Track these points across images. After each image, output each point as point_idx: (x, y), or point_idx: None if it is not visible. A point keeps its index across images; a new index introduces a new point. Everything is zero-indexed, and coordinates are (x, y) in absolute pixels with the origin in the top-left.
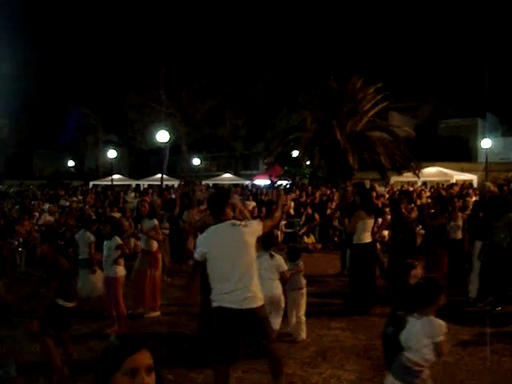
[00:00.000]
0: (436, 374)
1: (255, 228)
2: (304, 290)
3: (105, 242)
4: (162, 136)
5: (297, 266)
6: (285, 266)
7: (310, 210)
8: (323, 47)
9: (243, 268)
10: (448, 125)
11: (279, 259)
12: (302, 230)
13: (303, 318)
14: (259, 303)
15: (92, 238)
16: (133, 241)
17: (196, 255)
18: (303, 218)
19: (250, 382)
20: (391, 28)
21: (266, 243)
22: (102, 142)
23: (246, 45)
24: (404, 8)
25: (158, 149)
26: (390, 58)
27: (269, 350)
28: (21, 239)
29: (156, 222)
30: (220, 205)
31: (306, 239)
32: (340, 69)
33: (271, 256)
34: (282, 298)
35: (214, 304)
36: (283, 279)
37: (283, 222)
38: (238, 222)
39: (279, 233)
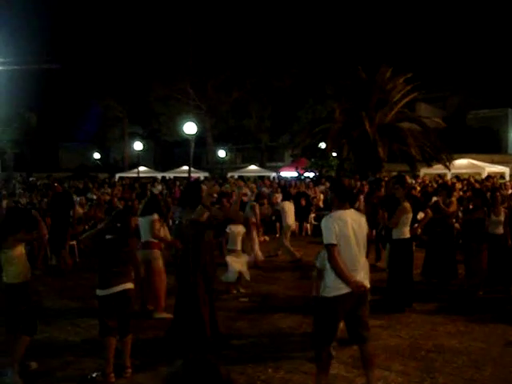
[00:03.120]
0: (488, 378)
1: None
2: None
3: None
4: (190, 128)
5: None
6: None
7: None
8: (350, 37)
9: (364, 253)
10: (477, 116)
11: None
12: None
13: None
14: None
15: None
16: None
17: (332, 240)
18: (332, 210)
19: (293, 383)
20: (420, 17)
21: None
22: (127, 135)
23: (272, 35)
24: None
25: (183, 141)
26: (419, 47)
27: (365, 339)
28: None
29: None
30: (347, 193)
31: None
32: (368, 59)
33: None
34: None
35: (334, 292)
36: None
37: (312, 215)
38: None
39: (308, 226)
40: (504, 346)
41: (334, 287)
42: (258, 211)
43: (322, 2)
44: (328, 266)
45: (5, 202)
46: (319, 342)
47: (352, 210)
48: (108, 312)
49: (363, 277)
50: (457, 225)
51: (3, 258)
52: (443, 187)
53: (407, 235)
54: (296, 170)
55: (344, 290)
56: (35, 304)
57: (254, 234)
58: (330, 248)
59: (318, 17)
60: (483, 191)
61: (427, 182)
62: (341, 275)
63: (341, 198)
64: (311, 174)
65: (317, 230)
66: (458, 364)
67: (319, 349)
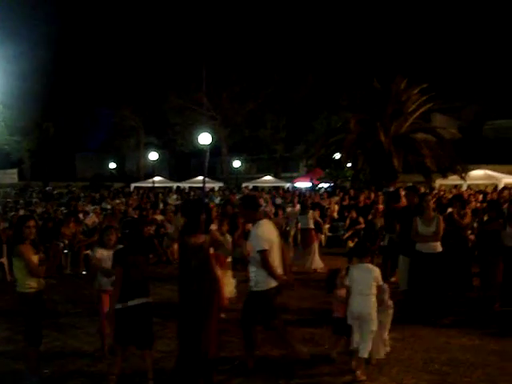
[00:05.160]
0: None
1: None
2: (391, 311)
3: None
4: (205, 138)
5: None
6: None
7: (354, 214)
8: (364, 48)
9: (280, 251)
10: (493, 126)
11: (378, 271)
12: (347, 234)
13: (386, 338)
14: None
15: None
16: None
17: (265, 246)
18: (347, 221)
19: None
20: (435, 28)
21: (361, 251)
22: (143, 144)
23: (287, 46)
24: (448, 7)
25: (199, 151)
26: (434, 58)
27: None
28: (66, 241)
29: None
30: (256, 202)
31: (350, 243)
32: (383, 70)
33: (369, 267)
34: (375, 317)
35: (266, 286)
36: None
37: (327, 226)
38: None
39: (322, 237)
40: None
41: (266, 282)
42: (318, 217)
43: (337, 13)
44: (256, 265)
45: (21, 211)
46: (248, 322)
47: (266, 219)
48: (122, 325)
49: (282, 271)
50: (472, 236)
51: (14, 266)
52: (457, 199)
53: (440, 249)
54: (310, 180)
55: (273, 284)
56: (45, 315)
57: (315, 244)
58: (264, 253)
59: (333, 28)
60: (499, 203)
61: (442, 193)
62: (272, 275)
63: (255, 208)
64: (326, 185)
65: (331, 241)
66: (473, 378)
67: (248, 328)
